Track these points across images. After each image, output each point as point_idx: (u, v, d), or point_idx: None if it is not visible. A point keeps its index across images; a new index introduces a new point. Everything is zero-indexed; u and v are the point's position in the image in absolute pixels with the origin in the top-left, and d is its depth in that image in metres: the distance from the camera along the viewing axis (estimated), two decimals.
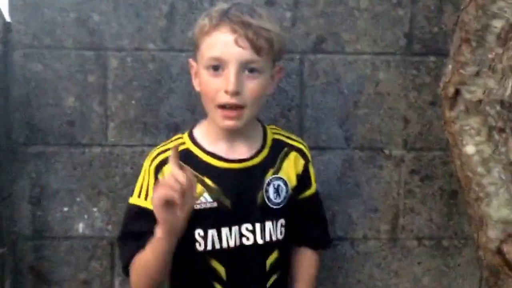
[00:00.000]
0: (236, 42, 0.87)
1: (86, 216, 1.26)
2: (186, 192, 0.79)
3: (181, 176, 0.79)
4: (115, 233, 1.25)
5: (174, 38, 1.21)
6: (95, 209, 1.26)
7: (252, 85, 0.90)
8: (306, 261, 1.08)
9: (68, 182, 1.24)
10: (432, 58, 1.24)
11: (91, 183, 1.25)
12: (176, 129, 1.22)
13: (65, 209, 1.25)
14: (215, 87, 0.90)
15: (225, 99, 0.89)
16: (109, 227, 1.26)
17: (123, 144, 1.24)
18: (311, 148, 1.09)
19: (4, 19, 1.17)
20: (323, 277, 1.31)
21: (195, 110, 1.22)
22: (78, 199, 1.25)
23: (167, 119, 1.23)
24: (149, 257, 0.88)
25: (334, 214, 1.29)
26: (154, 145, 1.20)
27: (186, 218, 0.83)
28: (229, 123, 0.91)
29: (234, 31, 0.88)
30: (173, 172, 0.80)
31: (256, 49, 0.88)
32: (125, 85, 1.22)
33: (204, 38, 0.90)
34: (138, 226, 0.93)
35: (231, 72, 0.88)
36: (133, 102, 1.23)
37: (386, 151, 1.28)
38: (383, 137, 1.27)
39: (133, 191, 0.98)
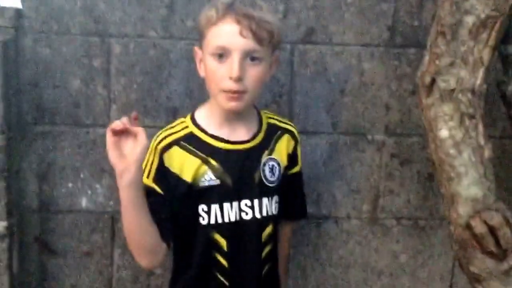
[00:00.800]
0: (241, 32, 0.94)
1: (89, 192, 1.32)
2: (128, 141, 0.88)
3: (116, 123, 0.88)
4: (116, 208, 1.33)
5: (174, 27, 1.28)
6: (97, 186, 1.32)
7: (253, 72, 0.96)
8: (286, 235, 1.18)
9: (73, 159, 1.31)
10: (413, 50, 1.32)
11: (94, 161, 1.31)
12: (174, 112, 1.29)
13: (70, 185, 1.32)
14: (220, 74, 0.96)
15: (229, 85, 0.95)
16: (111, 202, 1.33)
17: None
18: (299, 132, 1.15)
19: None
20: (308, 253, 1.39)
21: (192, 95, 1.29)
22: (82, 175, 1.32)
23: (166, 103, 1.30)
24: (125, 220, 0.94)
25: (320, 194, 1.37)
26: (153, 127, 1.27)
27: (136, 166, 0.89)
28: (232, 104, 0.97)
29: (238, 22, 0.94)
30: (109, 139, 0.88)
31: (258, 40, 0.95)
32: (127, 70, 1.29)
33: (211, 28, 0.96)
34: None
35: (234, 60, 0.94)
36: (134, 86, 1.29)
37: (369, 136, 1.35)
38: (366, 123, 1.35)
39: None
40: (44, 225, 1.33)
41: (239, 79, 0.95)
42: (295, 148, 1.11)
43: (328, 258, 1.40)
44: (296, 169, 1.13)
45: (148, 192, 0.98)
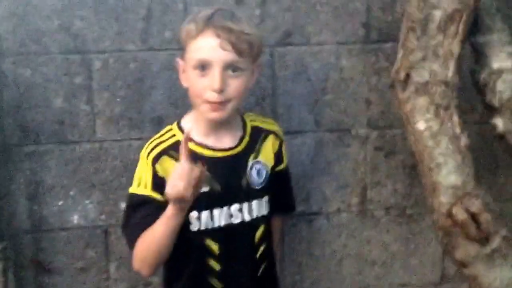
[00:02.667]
0: (220, 46, 1.05)
1: (80, 208, 1.43)
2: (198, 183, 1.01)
3: (197, 172, 1.00)
4: (108, 222, 1.45)
5: (152, 39, 1.39)
6: (88, 201, 1.43)
7: (235, 83, 1.08)
8: (277, 226, 1.33)
9: (61, 177, 1.41)
10: (389, 45, 1.45)
11: (83, 177, 1.42)
12: (160, 123, 1.40)
13: (60, 203, 1.42)
14: (202, 86, 1.08)
15: (212, 96, 1.07)
16: (102, 216, 1.44)
17: (110, 139, 1.41)
18: (284, 133, 1.28)
19: None
20: (301, 250, 1.53)
21: (177, 104, 1.41)
22: (71, 193, 1.42)
23: (151, 114, 1.41)
24: (160, 234, 1.07)
25: (309, 192, 1.50)
26: (140, 139, 1.40)
27: (195, 197, 1.04)
28: (215, 114, 1.09)
29: (218, 36, 1.05)
30: (185, 168, 1.00)
31: (238, 52, 1.06)
32: (109, 85, 1.39)
33: (191, 42, 1.08)
34: (140, 212, 1.12)
35: (216, 72, 1.05)
36: (117, 99, 1.40)
37: (353, 131, 1.49)
38: (349, 119, 1.49)
39: (132, 181, 1.15)
40: (38, 245, 1.43)
41: (221, 91, 1.06)
42: (280, 147, 1.24)
43: (321, 253, 1.53)
44: (281, 166, 1.25)
45: (148, 202, 1.10)
